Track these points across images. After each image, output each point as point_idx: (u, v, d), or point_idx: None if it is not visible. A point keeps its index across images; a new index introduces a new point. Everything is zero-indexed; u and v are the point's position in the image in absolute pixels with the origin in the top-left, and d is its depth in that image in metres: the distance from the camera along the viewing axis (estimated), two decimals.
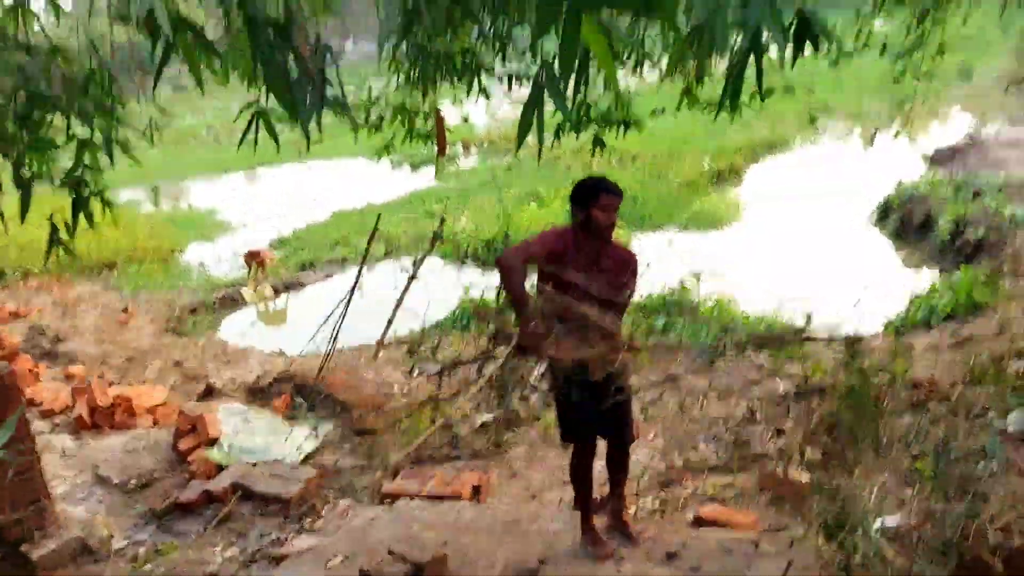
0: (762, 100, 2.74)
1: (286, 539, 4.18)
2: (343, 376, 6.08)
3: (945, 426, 4.39)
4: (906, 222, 9.48)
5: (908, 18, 6.06)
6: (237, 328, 9.98)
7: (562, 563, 3.60)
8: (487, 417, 5.45)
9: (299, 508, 4.46)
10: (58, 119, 2.82)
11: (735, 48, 2.17)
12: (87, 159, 2.96)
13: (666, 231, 11.09)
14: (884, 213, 10.11)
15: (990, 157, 11.84)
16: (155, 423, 5.58)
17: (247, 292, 10.50)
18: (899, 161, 12.04)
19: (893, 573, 3.29)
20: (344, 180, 18.81)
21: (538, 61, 2.15)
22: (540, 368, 6.29)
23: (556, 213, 12.06)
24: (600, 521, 3.70)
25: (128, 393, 5.75)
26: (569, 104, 2.31)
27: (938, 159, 12.36)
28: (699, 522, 3.96)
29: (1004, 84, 18.32)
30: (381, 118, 4.84)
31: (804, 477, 4.20)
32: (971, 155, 12.15)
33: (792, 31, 2.10)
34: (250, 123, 3.36)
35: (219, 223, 15.92)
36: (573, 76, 2.25)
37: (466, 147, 20.23)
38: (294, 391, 5.74)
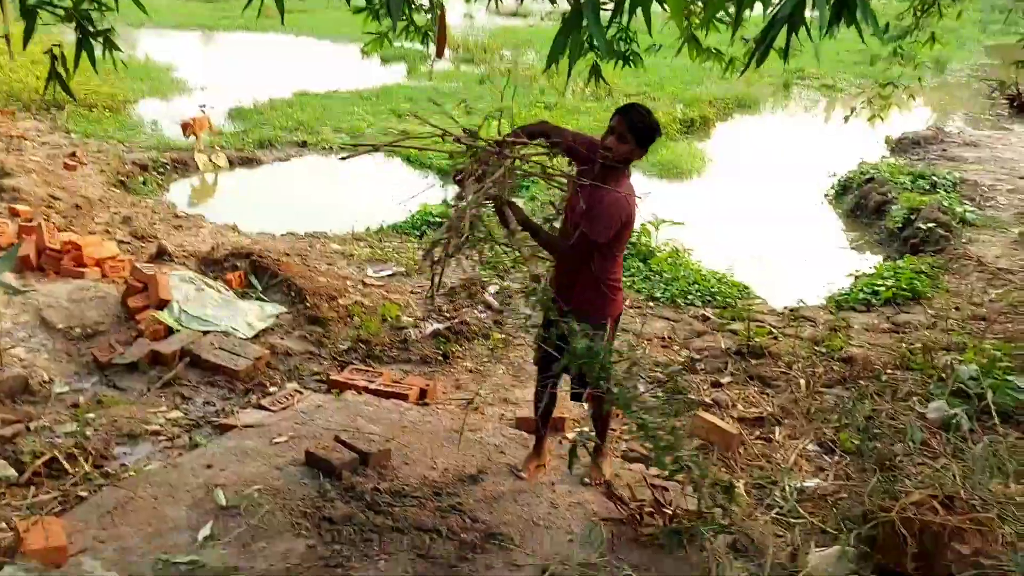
0: (786, 59, 2.76)
1: (231, 411, 4.22)
2: (298, 261, 6.04)
3: (871, 404, 4.65)
4: (861, 204, 9.74)
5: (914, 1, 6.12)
6: (188, 193, 9.76)
7: (500, 475, 3.75)
8: (438, 326, 5.52)
9: (247, 383, 4.50)
10: None
11: (776, 7, 2.19)
12: None
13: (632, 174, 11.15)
14: (842, 191, 10.35)
15: (950, 152, 12.16)
16: (104, 276, 5.48)
17: (200, 158, 10.21)
18: (862, 141, 12.30)
19: (805, 530, 3.54)
20: (308, 61, 18.21)
21: None
22: (493, 288, 6.39)
23: None
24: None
25: (78, 241, 5.61)
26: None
27: (900, 146, 12.66)
28: (627, 459, 4.15)
29: (978, 83, 18.74)
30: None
31: (734, 429, 4.42)
32: (932, 147, 12.47)
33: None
34: None
35: (175, 81, 15.32)
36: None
37: (440, 49, 19.73)
38: (249, 268, 5.69)
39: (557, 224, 3.60)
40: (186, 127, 10.22)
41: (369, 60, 18.51)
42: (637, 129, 3.16)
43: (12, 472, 3.43)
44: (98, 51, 2.88)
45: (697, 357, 5.45)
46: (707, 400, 4.84)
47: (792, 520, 3.61)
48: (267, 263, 5.71)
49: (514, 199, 3.25)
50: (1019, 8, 14.07)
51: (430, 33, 4.75)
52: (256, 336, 5.03)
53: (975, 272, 7.11)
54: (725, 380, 5.12)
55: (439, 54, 4.68)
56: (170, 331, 4.80)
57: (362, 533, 3.13)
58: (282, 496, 3.33)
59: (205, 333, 4.84)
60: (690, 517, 3.18)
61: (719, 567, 3.03)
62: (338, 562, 2.97)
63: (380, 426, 4.02)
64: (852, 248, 8.92)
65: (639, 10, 2.25)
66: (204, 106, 11.54)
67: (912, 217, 8.54)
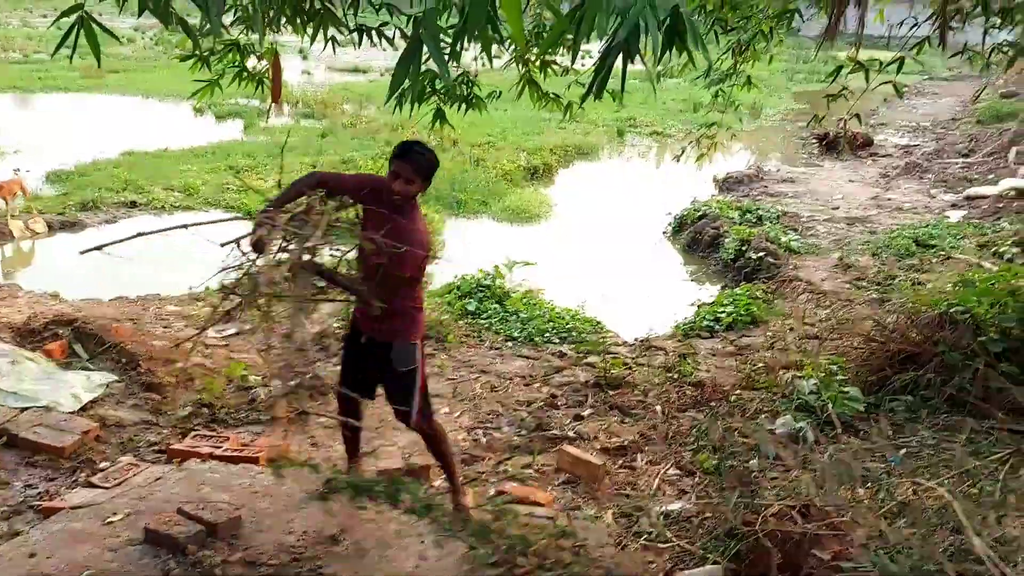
0: (622, 94, 2.82)
1: (57, 493, 3.79)
2: (130, 326, 5.61)
3: (723, 424, 4.80)
4: (696, 238, 10.23)
5: (727, 49, 6.55)
6: (0, 262, 8.95)
7: (365, 531, 3.55)
8: (290, 383, 5.24)
9: (73, 461, 4.07)
10: None
11: (610, 37, 2.21)
12: None
13: (481, 219, 11.27)
14: (678, 227, 10.85)
15: (770, 189, 13.09)
16: None
17: (15, 225, 9.42)
18: (693, 181, 13.01)
19: (675, 553, 3.56)
20: (136, 120, 17.33)
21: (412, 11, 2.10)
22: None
23: None
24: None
25: None
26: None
27: (727, 184, 13.49)
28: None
29: (790, 125, 20.33)
30: (211, 51, 4.49)
31: (598, 461, 4.43)
32: (755, 185, 13.37)
33: (666, 26, 2.19)
34: (71, 29, 3.03)
35: None
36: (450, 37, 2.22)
37: (279, 104, 19.32)
38: (72, 336, 5.21)
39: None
40: None
41: (203, 118, 17.89)
42: (423, 170, 3.27)
43: None
44: None
45: (558, 392, 5.46)
46: (570, 434, 4.83)
47: (661, 545, 3.63)
48: (93, 329, 5.26)
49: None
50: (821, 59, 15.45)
51: (264, 80, 4.59)
52: (84, 409, 4.57)
53: (804, 295, 7.59)
54: (586, 413, 5.14)
55: (275, 100, 4.52)
56: None
57: None
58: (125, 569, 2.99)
59: (23, 410, 4.36)
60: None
61: None
62: None
63: (229, 494, 3.72)
64: (692, 280, 9.33)
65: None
66: (18, 170, 10.72)
67: (743, 248, 9.04)
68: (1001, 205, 10.37)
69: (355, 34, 3.99)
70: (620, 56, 2.16)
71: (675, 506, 4.05)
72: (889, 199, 12.17)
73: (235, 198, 11.46)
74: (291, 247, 3.10)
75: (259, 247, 3.12)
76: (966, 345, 4.79)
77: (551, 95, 5.47)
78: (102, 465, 4.07)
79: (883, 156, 15.97)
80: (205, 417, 4.75)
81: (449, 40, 2.41)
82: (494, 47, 2.47)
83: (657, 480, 4.35)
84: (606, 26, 2.10)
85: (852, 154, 16.07)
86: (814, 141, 17.37)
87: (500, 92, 5.82)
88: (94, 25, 2.88)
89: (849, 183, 13.59)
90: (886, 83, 5.00)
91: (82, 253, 3.15)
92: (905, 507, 3.27)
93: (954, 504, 2.89)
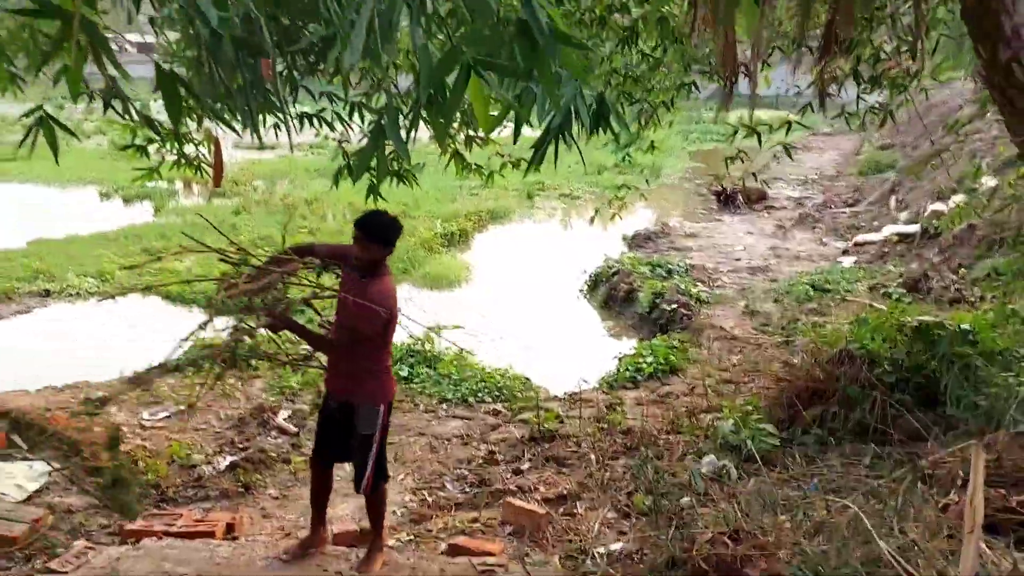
0: (556, 154, 3.19)
1: None
2: (65, 414, 5.60)
3: (653, 467, 5.13)
4: (612, 294, 10.72)
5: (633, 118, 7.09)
6: None
7: None
8: (234, 458, 5.35)
9: (27, 550, 4.08)
10: None
11: (548, 120, 2.58)
12: None
13: (402, 286, 11.50)
14: (594, 285, 11.34)
15: (676, 243, 13.79)
16: None
17: None
18: (603, 240, 13.61)
19: None
20: (39, 208, 16.96)
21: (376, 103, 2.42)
22: (285, 413, 6.30)
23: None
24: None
25: None
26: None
27: (636, 241, 14.14)
28: (453, 551, 4.26)
29: (690, 183, 21.42)
30: (150, 139, 4.69)
31: (541, 510, 4.68)
32: (661, 240, 14.07)
33: (592, 111, 2.57)
34: (31, 129, 3.23)
35: None
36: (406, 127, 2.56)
37: (188, 185, 19.23)
38: (9, 427, 5.19)
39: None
40: None
41: (110, 202, 17.67)
42: (374, 234, 3.55)
43: None
44: None
45: (495, 449, 5.71)
46: (512, 487, 5.08)
47: None
48: (32, 419, 5.25)
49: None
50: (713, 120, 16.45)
51: (203, 165, 4.81)
52: (29, 498, 4.58)
53: (716, 341, 8.10)
54: (525, 466, 5.40)
55: (216, 184, 4.72)
56: None
57: None
58: None
59: None
60: None
61: None
62: None
63: (190, 567, 3.81)
64: (611, 335, 9.77)
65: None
66: None
67: (657, 301, 9.56)
68: (887, 249, 11.26)
69: (296, 120, 4.27)
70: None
71: (616, 546, 4.33)
72: (787, 248, 13.01)
73: (152, 280, 11.37)
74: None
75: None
76: (864, 378, 5.29)
77: (474, 165, 5.85)
78: (58, 551, 4.09)
79: (778, 208, 17.03)
80: (154, 497, 4.80)
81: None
82: None
83: (597, 524, 4.63)
84: (543, 112, 2.47)
85: (749, 208, 17.09)
86: (712, 197, 18.40)
87: (424, 163, 6.16)
88: (53, 124, 3.09)
89: (748, 235, 14.44)
90: (778, 145, 5.51)
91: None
92: (821, 526, 3.65)
93: (862, 519, 3.28)
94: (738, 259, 12.41)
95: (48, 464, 4.90)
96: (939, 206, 11.16)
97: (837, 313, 8.49)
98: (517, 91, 2.32)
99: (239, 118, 2.44)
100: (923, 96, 6.26)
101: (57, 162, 3.60)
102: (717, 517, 3.98)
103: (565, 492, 5.01)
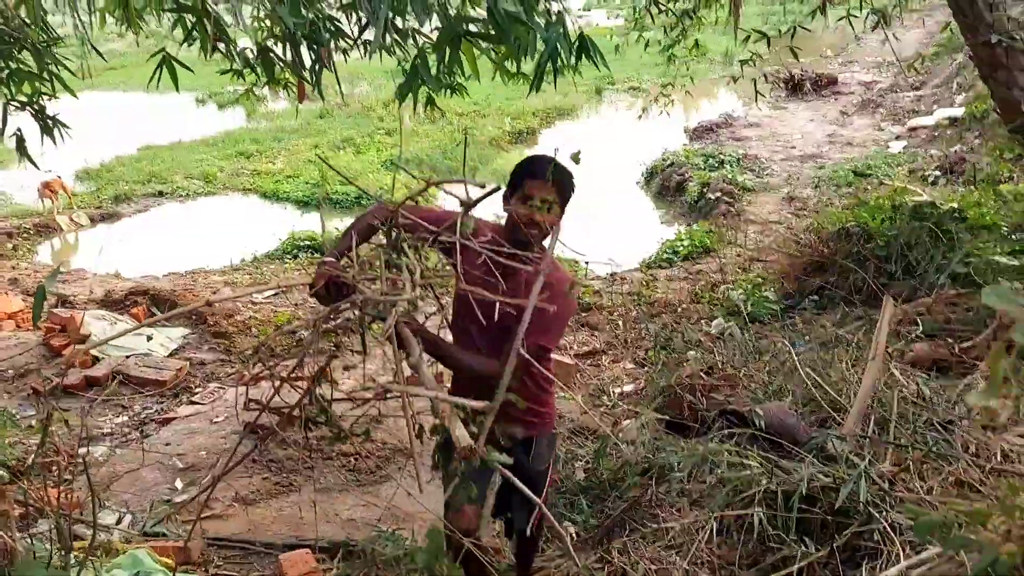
0: (555, 79, 4.03)
1: (168, 410, 5.12)
2: (194, 292, 6.90)
3: (670, 329, 6.08)
4: (665, 185, 11.45)
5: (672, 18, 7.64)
6: (57, 252, 10.23)
7: None
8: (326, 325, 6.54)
9: (174, 389, 5.39)
10: None
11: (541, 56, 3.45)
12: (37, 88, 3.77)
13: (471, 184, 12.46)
14: (650, 176, 12.06)
15: (737, 134, 14.24)
16: (18, 327, 6.15)
17: (62, 219, 10.69)
18: (666, 133, 14.16)
19: (623, 414, 4.87)
20: (144, 116, 18.43)
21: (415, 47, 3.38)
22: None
23: (371, 160, 13.08)
24: None
25: None
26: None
27: (696, 133, 14.64)
28: None
29: (763, 70, 21.36)
30: (247, 61, 5.68)
31: (571, 362, 5.72)
32: (723, 131, 14.52)
33: (575, 47, 3.43)
34: (159, 66, 4.28)
35: (6, 151, 15.31)
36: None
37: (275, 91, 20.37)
38: (150, 302, 6.51)
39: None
40: (43, 191, 10.66)
41: (205, 108, 19.01)
42: (569, 191, 2.69)
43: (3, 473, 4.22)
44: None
45: None
46: None
47: (613, 411, 4.95)
48: (165, 295, 6.55)
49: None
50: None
51: (291, 84, 5.80)
52: (172, 354, 5.89)
53: (752, 225, 8.84)
54: None
55: (300, 100, 5.71)
56: (96, 360, 5.59)
57: (302, 465, 4.18)
58: (232, 453, 4.31)
59: (127, 357, 5.67)
60: None
61: None
62: (288, 483, 4.02)
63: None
64: (662, 223, 10.57)
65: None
66: (50, 171, 11.94)
67: (704, 190, 10.27)
68: (936, 134, 11.53)
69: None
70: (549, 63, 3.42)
71: (628, 387, 5.36)
72: (842, 135, 13.33)
73: (250, 181, 12.68)
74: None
75: (325, 300, 2.29)
76: (858, 252, 6.05)
77: (520, 73, 6.66)
78: (196, 390, 5.38)
79: (845, 94, 17.05)
80: (267, 353, 6.04)
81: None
82: None
83: (618, 371, 5.65)
84: (535, 51, 3.36)
85: (817, 94, 17.17)
86: (781, 84, 18.45)
87: (471, 75, 7.02)
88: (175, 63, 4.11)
89: (809, 122, 14.72)
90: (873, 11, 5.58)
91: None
92: (782, 365, 4.56)
93: (800, 355, 4.18)
94: (793, 147, 12.83)
95: (180, 330, 6.20)
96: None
97: (869, 197, 9.04)
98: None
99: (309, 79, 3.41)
100: None
101: (177, 90, 4.66)
102: (703, 360, 4.93)
103: (593, 350, 6.03)
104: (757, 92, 6.41)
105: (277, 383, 2.30)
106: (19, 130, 3.74)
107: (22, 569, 2.12)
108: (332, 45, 3.32)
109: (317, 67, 3.29)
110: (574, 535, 3.42)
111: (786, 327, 5.75)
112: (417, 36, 3.42)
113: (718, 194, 9.93)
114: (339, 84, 3.37)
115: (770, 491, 2.99)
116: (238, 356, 5.99)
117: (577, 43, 3.38)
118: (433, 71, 3.39)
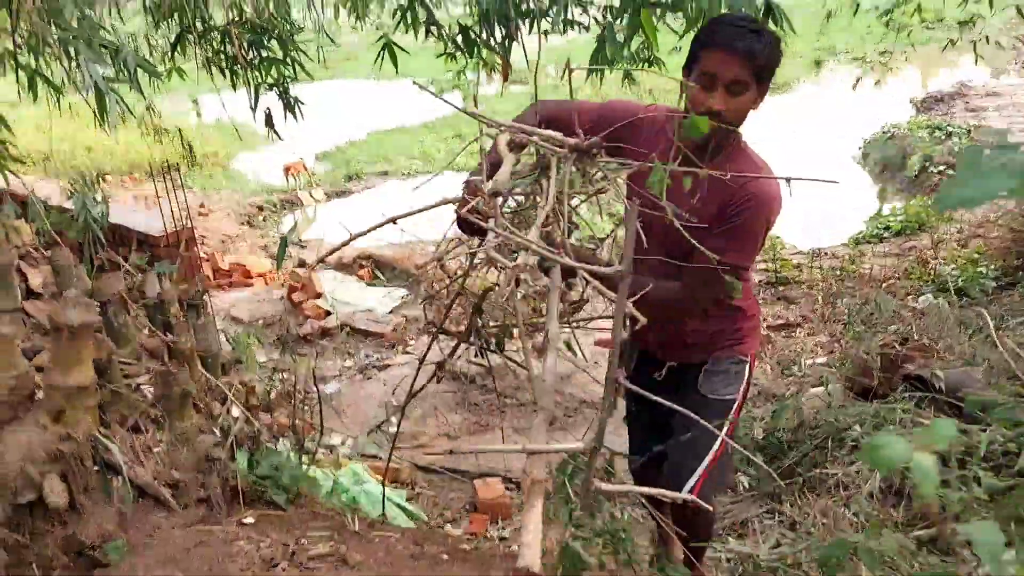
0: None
1: (387, 358, 5.76)
2: (411, 256, 7.61)
3: (872, 303, 5.90)
4: (885, 158, 10.86)
5: None
6: (299, 223, 11.52)
7: None
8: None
9: (393, 341, 6.04)
10: None
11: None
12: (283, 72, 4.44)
13: None
14: (868, 150, 11.47)
15: (972, 104, 13.12)
16: (266, 284, 7.13)
17: (303, 195, 12.00)
18: (891, 104, 13.32)
19: (814, 382, 4.87)
20: (371, 103, 19.95)
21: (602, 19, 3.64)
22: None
23: None
24: None
25: (241, 261, 7.28)
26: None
27: (925, 104, 13.64)
28: None
29: (1004, 36, 19.35)
30: (457, 45, 6.19)
31: (764, 333, 5.74)
32: (956, 102, 13.43)
33: (762, 12, 3.52)
34: (382, 49, 4.80)
35: (257, 136, 17.23)
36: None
37: (489, 74, 21.30)
38: (374, 265, 7.27)
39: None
40: (288, 170, 12.03)
41: (424, 94, 20.23)
42: (767, 66, 1.98)
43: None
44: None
45: None
46: None
47: (802, 380, 4.95)
48: (387, 260, 7.29)
49: None
50: None
51: (496, 66, 6.25)
52: (391, 311, 6.57)
53: None
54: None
55: (505, 79, 6.14)
56: (328, 313, 6.38)
57: (496, 408, 4.61)
58: (440, 394, 4.83)
59: (354, 312, 6.41)
60: None
61: None
62: (485, 423, 4.46)
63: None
64: (878, 199, 10.06)
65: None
66: (295, 154, 13.41)
67: (926, 164, 9.65)
68: None
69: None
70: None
71: (821, 359, 5.31)
72: None
73: (463, 161, 13.47)
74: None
75: (469, 229, 2.06)
76: None
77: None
78: (412, 343, 6.00)
79: None
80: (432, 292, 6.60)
81: None
82: None
83: (812, 344, 5.61)
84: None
85: None
86: None
87: (681, 48, 7.13)
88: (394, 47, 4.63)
89: None
90: None
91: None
92: (986, 340, 4.36)
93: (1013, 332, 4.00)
94: None
95: (399, 290, 6.87)
96: None
97: None
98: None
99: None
100: None
101: (397, 71, 5.21)
102: (901, 332, 4.80)
103: (788, 322, 6.00)
104: (977, 55, 6.01)
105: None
106: (268, 109, 4.41)
107: (266, 453, 2.64)
108: (522, 22, 3.63)
109: (507, 43, 3.62)
110: (745, 485, 3.56)
111: (999, 303, 5.42)
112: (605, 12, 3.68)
113: (942, 167, 9.31)
114: (526, 58, 3.65)
115: (945, 451, 2.97)
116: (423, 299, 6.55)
117: (763, 8, 3.46)
118: (620, 40, 3.63)
